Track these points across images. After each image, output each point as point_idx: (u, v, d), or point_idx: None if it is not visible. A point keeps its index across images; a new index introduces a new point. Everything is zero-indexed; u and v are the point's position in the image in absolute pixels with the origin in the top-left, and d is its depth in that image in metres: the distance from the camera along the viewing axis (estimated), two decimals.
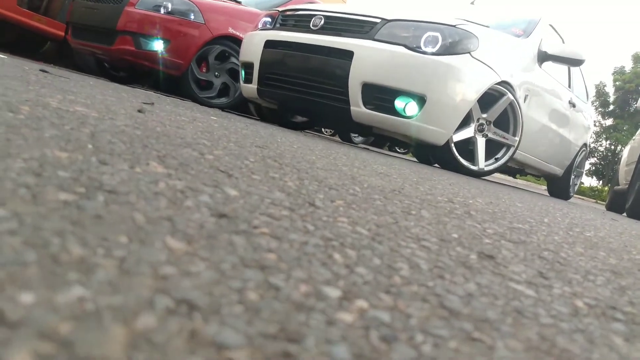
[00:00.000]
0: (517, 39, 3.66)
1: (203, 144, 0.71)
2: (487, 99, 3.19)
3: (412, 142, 3.15)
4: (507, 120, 3.40)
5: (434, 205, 0.72)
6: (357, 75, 2.99)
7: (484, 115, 3.24)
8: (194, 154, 0.64)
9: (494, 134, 3.31)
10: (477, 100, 3.12)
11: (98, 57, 5.17)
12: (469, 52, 2.99)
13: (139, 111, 0.80)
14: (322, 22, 3.23)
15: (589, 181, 38.07)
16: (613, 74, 38.69)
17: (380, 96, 3.00)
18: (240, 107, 5.15)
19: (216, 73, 4.79)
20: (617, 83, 37.70)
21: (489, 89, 3.15)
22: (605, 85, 39.02)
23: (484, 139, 3.29)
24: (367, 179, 0.78)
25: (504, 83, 3.26)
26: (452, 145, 3.17)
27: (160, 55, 4.51)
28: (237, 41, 4.82)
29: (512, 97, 3.30)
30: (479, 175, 3.31)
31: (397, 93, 2.96)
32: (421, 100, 2.94)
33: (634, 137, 8.22)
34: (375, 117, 3.03)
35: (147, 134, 0.66)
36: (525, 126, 3.50)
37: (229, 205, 0.47)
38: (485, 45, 3.08)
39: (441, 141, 3.09)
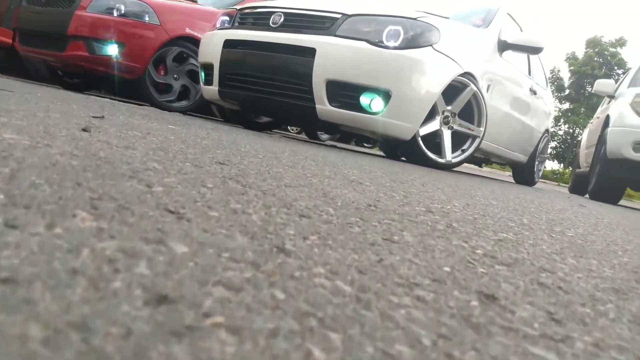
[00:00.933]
0: (477, 29, 3.68)
1: (153, 168, 0.60)
2: (451, 91, 3.19)
3: (379, 137, 3.12)
4: (472, 111, 3.40)
5: (414, 221, 0.66)
6: (321, 72, 2.93)
7: (449, 108, 3.24)
8: (139, 187, 0.54)
9: (459, 125, 3.31)
10: (442, 93, 3.11)
11: (50, 64, 4.95)
12: (431, 45, 2.97)
13: (84, 130, 0.71)
14: (282, 19, 3.16)
15: (551, 165, 39.23)
16: (566, 60, 39.97)
17: (346, 93, 2.95)
18: (203, 108, 5.03)
19: (175, 75, 4.65)
20: (572, 68, 38.97)
21: (453, 80, 3.14)
22: (559, 71, 40.30)
23: (449, 131, 3.29)
24: (340, 192, 0.71)
25: (466, 74, 3.26)
26: (419, 139, 3.16)
27: (115, 60, 4.34)
28: (195, 42, 4.68)
29: (475, 88, 3.31)
30: (447, 167, 3.31)
31: (362, 89, 2.92)
32: (386, 95, 2.91)
33: (591, 121, 8.48)
34: (341, 114, 2.98)
35: (86, 163, 0.58)
36: (489, 116, 3.52)
37: (172, 277, 0.35)
38: (446, 37, 3.07)
39: (408, 136, 3.07)
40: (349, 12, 3.01)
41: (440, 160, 3.27)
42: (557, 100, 39.11)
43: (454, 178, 2.37)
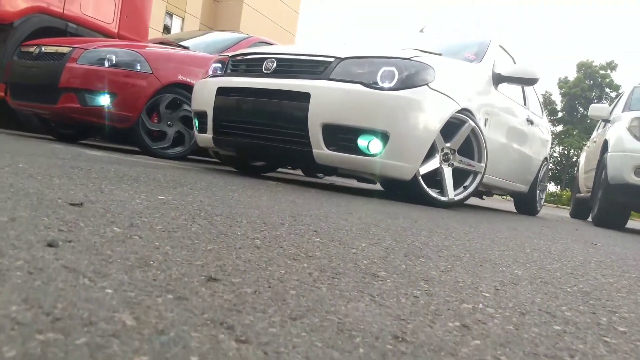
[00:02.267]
0: (471, 65, 3.66)
1: (122, 327, 0.41)
2: (449, 128, 3.14)
3: (378, 179, 3.05)
4: (471, 146, 3.35)
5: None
6: (316, 116, 2.88)
7: (448, 145, 3.18)
8: None
9: (459, 162, 3.25)
10: (440, 130, 3.06)
11: (42, 116, 4.92)
12: (427, 84, 2.94)
13: (50, 245, 0.60)
14: (275, 65, 3.13)
15: (548, 187, 39.37)
16: (558, 83, 40.64)
17: (342, 136, 2.90)
18: (201, 151, 4.97)
19: (169, 122, 4.62)
20: (563, 90, 39.57)
21: (450, 117, 3.10)
22: (551, 95, 40.89)
23: (450, 169, 3.22)
24: (355, 310, 0.58)
25: (464, 110, 3.22)
26: (420, 178, 3.09)
27: (107, 110, 4.30)
28: (189, 88, 4.68)
29: (473, 124, 3.26)
30: (450, 205, 3.23)
31: (359, 132, 2.86)
32: (384, 136, 2.86)
33: (587, 144, 8.48)
34: (339, 157, 2.92)
35: (26, 334, 0.37)
36: (488, 150, 3.46)
37: None
38: (441, 75, 3.04)
39: (409, 176, 3.01)
40: (342, 56, 2.98)
41: (442, 198, 3.19)
42: (550, 124, 39.62)
43: (462, 223, 2.28)
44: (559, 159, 39.58)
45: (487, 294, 0.77)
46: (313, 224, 1.24)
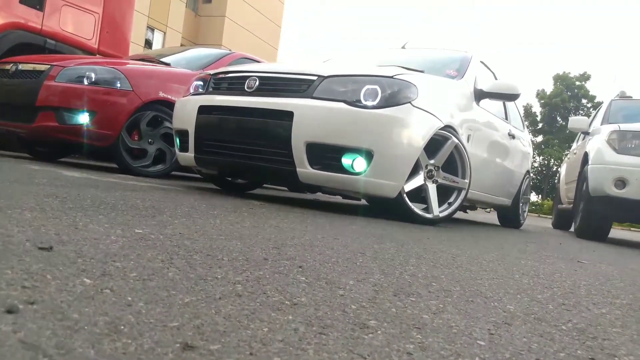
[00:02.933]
0: (453, 81, 3.68)
1: None
2: (433, 145, 3.13)
3: (363, 197, 3.02)
4: (455, 163, 3.34)
5: None
6: (300, 135, 2.85)
7: (432, 161, 3.17)
8: None
9: (443, 178, 3.24)
10: (423, 148, 3.05)
11: (19, 135, 4.80)
12: (410, 102, 2.93)
13: (9, 312, 0.50)
14: (257, 83, 3.09)
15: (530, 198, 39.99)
16: (537, 96, 41.49)
17: (327, 155, 2.87)
18: (182, 167, 4.89)
19: (150, 140, 4.54)
20: (543, 101, 40.38)
21: (434, 135, 3.09)
22: (532, 107, 41.67)
23: (434, 185, 3.21)
24: None
25: (447, 127, 3.22)
26: (405, 196, 3.07)
27: (86, 128, 4.21)
28: (170, 105, 4.61)
29: (456, 140, 3.26)
30: (435, 222, 3.21)
31: (343, 150, 2.84)
32: (368, 155, 2.83)
33: (568, 156, 8.59)
34: (323, 176, 2.89)
35: None
36: (471, 167, 3.46)
37: None
38: (424, 92, 3.03)
39: (393, 193, 2.98)
40: (325, 74, 2.96)
41: (427, 215, 3.17)
42: (531, 134, 40.28)
43: (446, 244, 2.26)
44: (539, 169, 40.17)
45: (482, 342, 0.73)
46: (298, 257, 1.19)
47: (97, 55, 6.69)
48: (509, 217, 5.49)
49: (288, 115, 2.87)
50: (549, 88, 41.57)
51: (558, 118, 39.81)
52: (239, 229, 1.55)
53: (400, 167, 2.95)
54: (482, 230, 4.11)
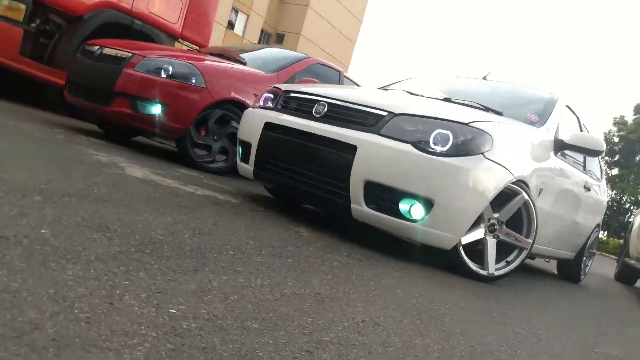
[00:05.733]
0: (533, 130, 3.44)
1: None
2: (500, 197, 2.95)
3: (417, 244, 2.89)
4: (521, 219, 3.14)
5: None
6: (360, 171, 2.76)
7: (496, 215, 2.99)
8: None
9: (506, 235, 3.05)
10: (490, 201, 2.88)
11: (96, 114, 5.01)
12: (482, 153, 2.76)
13: None
14: (326, 109, 3.02)
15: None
16: (614, 124, 38.64)
17: (384, 196, 2.76)
18: None
19: (215, 137, 4.61)
20: (622, 133, 37.57)
21: (503, 188, 2.91)
22: (614, 135, 38.90)
23: (494, 240, 3.03)
24: None
25: (518, 181, 3.02)
26: (461, 248, 2.92)
27: (157, 119, 4.32)
28: (239, 105, 4.66)
29: (526, 197, 3.05)
30: (488, 280, 3.04)
31: (402, 194, 2.72)
32: (428, 203, 2.70)
33: None
34: (377, 217, 2.79)
35: None
36: (538, 220, 3.23)
37: None
38: (499, 143, 2.85)
39: (449, 246, 2.84)
40: (396, 111, 2.85)
41: (482, 272, 3.01)
42: (606, 166, 37.81)
43: (518, 323, 2.11)
44: (610, 203, 37.69)
45: None
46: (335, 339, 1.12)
47: (178, 47, 6.87)
48: (569, 271, 5.15)
49: (351, 149, 2.79)
50: (629, 114, 38.36)
51: (637, 152, 36.95)
52: (280, 289, 1.49)
53: (462, 220, 2.80)
54: (537, 286, 3.87)
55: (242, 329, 1.18)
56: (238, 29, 20.46)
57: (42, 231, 1.45)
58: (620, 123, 38.33)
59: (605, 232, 35.07)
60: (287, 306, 1.45)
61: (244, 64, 5.17)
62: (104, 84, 4.41)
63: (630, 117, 38.19)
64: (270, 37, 23.80)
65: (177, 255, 1.61)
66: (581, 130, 4.46)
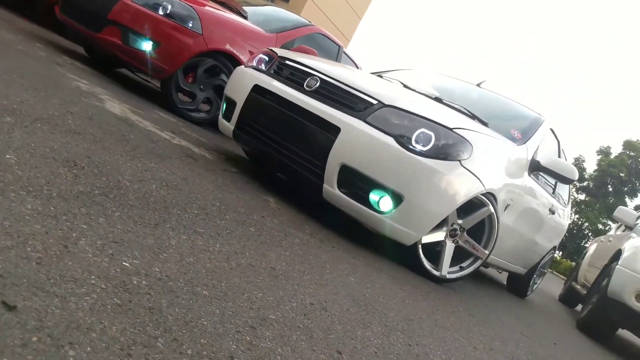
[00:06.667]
0: (512, 147, 3.49)
1: None
2: (467, 205, 3.01)
3: (379, 234, 2.94)
4: (482, 229, 3.22)
5: None
6: (339, 154, 2.76)
7: (460, 222, 3.06)
8: None
9: (465, 242, 3.13)
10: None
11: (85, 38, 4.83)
12: (460, 160, 2.80)
13: None
14: (318, 84, 3.00)
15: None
16: (598, 152, 39.21)
17: (357, 182, 2.78)
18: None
19: (201, 86, 4.52)
20: (602, 163, 38.16)
21: (472, 197, 2.96)
22: (584, 161, 39.60)
23: (453, 245, 3.11)
24: None
25: (488, 194, 3.08)
26: (420, 247, 2.99)
27: (146, 56, 4.21)
28: (232, 59, 4.58)
29: (492, 210, 3.13)
30: (440, 281, 3.13)
31: (374, 184, 2.75)
32: (398, 198, 2.74)
33: (600, 238, 8.23)
34: (346, 202, 2.81)
35: None
36: (499, 234, 3.32)
37: None
38: (477, 153, 2.89)
39: (409, 242, 2.90)
40: (386, 102, 2.84)
41: (435, 273, 3.09)
42: (574, 189, 38.58)
43: (458, 331, 2.19)
44: (571, 226, 38.85)
45: None
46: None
47: None
48: (518, 286, 5.33)
49: (335, 130, 2.78)
50: (616, 148, 38.80)
51: (609, 186, 37.81)
52: (235, 268, 1.50)
53: (426, 220, 2.85)
54: (484, 295, 3.99)
55: (192, 294, 1.19)
56: None
57: (7, 156, 1.41)
58: (603, 153, 38.80)
59: (560, 253, 36.23)
60: (240, 277, 1.46)
61: (245, 17, 5.05)
62: (99, 9, 4.25)
63: (617, 149, 38.59)
64: None
65: (140, 205, 1.60)
66: (559, 156, 4.56)
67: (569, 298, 8.10)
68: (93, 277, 1.04)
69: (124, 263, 1.17)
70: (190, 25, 4.27)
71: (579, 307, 8.27)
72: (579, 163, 38.58)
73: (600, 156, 38.86)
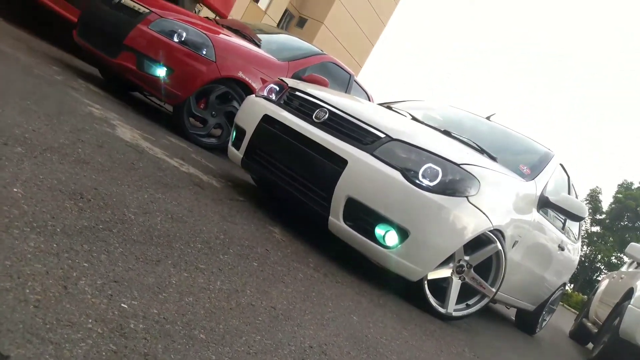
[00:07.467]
0: (521, 183, 3.47)
1: None
2: (474, 241, 2.97)
3: (384, 269, 2.91)
4: (490, 266, 3.18)
5: None
6: (345, 186, 2.76)
7: (467, 258, 3.02)
8: None
9: (472, 279, 3.09)
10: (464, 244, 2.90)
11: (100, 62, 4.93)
12: (467, 197, 2.78)
13: None
14: (326, 116, 3.02)
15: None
16: (619, 186, 38.58)
17: (362, 216, 2.77)
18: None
19: (213, 112, 4.57)
20: (620, 196, 37.59)
21: (480, 234, 2.93)
22: (600, 193, 39.16)
23: (460, 282, 3.07)
24: None
25: (495, 230, 3.05)
26: (426, 282, 2.95)
27: (160, 82, 4.28)
28: (245, 86, 4.63)
29: (499, 247, 3.09)
30: (445, 319, 3.08)
31: (380, 218, 2.73)
32: (404, 233, 2.72)
33: (613, 274, 8.08)
34: (352, 235, 2.80)
35: None
36: (507, 270, 3.27)
37: None
38: (485, 190, 2.88)
39: (415, 278, 2.87)
40: (394, 136, 2.85)
41: (440, 309, 3.04)
42: (589, 221, 37.94)
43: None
44: (582, 258, 38.19)
45: None
46: None
47: (196, 15, 6.78)
48: (527, 322, 5.23)
49: (342, 162, 2.79)
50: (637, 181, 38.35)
51: (625, 219, 37.11)
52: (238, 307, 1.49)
53: (433, 256, 2.82)
54: (491, 332, 3.92)
55: (189, 338, 1.18)
56: (262, 3, 20.21)
57: (15, 190, 1.43)
58: (623, 186, 38.32)
59: (572, 285, 35.57)
60: (239, 318, 1.45)
61: (259, 45, 5.13)
62: (115, 34, 4.34)
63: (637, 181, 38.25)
64: (292, 19, 23.60)
65: (143, 240, 1.60)
66: (569, 192, 4.51)
67: (580, 335, 7.92)
68: (90, 320, 1.03)
69: (122, 305, 1.16)
70: (204, 52, 4.35)
71: (590, 345, 8.09)
72: (594, 195, 38.11)
73: (621, 190, 38.26)
